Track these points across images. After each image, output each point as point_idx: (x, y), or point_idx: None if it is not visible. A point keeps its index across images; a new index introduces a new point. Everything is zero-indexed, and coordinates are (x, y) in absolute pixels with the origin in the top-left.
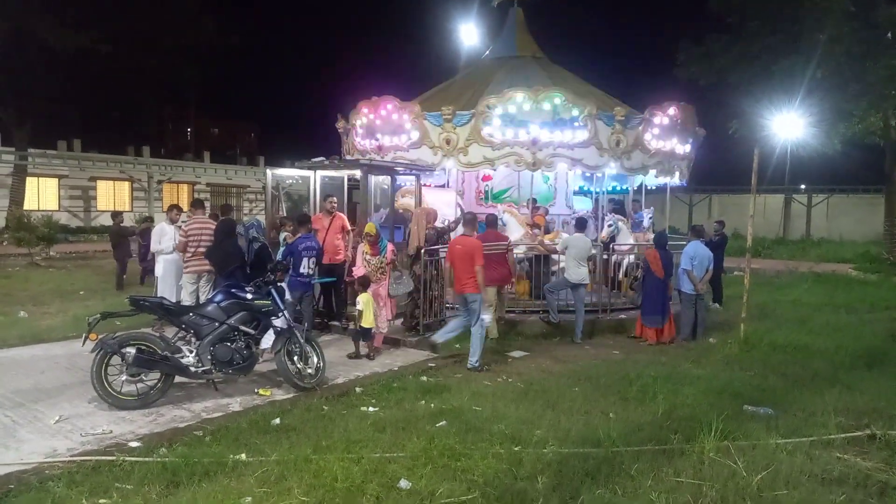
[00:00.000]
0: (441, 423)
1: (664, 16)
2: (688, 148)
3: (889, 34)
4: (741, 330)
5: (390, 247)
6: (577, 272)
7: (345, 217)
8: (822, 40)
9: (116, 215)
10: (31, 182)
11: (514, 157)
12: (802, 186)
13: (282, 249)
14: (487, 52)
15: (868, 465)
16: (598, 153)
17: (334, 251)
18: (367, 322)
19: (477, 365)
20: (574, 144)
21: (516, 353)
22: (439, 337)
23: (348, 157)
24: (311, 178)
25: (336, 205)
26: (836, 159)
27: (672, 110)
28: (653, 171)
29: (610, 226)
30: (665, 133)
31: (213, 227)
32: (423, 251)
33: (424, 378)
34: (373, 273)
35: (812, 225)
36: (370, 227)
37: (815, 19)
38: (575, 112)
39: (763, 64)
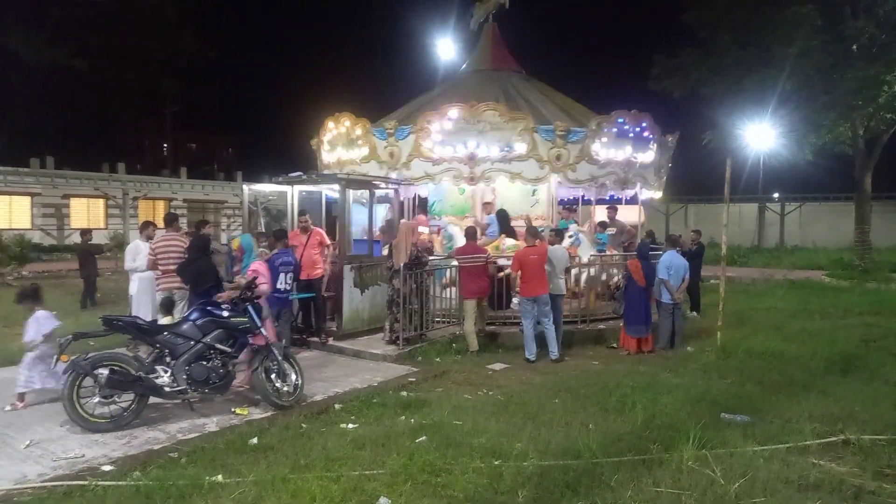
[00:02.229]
0: (421, 439)
1: (639, 30)
2: (523, 147)
3: (854, 47)
4: (718, 338)
5: (254, 266)
6: (554, 283)
7: (323, 232)
8: (791, 54)
9: (85, 233)
10: (2, 200)
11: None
12: (776, 195)
13: None
14: (464, 66)
15: (843, 470)
16: (378, 167)
17: (312, 266)
18: None
19: (559, 355)
20: (359, 160)
21: (496, 366)
22: (531, 354)
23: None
24: (288, 193)
25: (309, 222)
26: (807, 168)
27: (454, 112)
28: (445, 178)
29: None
30: (451, 138)
31: (184, 243)
32: (402, 265)
33: (404, 393)
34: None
35: (786, 233)
36: (235, 242)
37: (785, 33)
38: (358, 131)
39: (735, 77)
